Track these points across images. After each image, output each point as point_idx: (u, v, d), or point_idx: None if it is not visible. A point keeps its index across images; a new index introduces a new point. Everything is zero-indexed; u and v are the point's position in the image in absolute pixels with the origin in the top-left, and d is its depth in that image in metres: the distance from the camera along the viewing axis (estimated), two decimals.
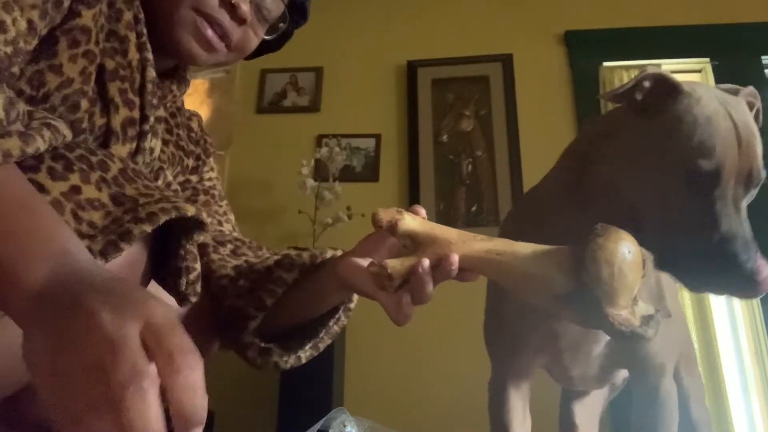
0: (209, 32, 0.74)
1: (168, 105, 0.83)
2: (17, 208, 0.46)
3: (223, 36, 0.76)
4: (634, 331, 0.59)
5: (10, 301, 0.43)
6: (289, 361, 0.78)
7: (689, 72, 2.41)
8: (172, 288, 0.65)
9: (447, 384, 2.00)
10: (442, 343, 2.03)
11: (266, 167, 2.36)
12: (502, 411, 1.09)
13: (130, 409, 0.34)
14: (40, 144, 0.50)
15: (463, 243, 0.62)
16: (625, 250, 0.58)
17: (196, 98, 2.47)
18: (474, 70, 2.42)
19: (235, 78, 2.51)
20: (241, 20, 0.76)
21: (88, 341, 0.37)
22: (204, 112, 2.46)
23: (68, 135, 0.55)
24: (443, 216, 2.23)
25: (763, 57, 2.32)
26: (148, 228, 0.55)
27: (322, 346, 0.81)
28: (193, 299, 0.65)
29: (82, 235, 0.53)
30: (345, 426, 0.88)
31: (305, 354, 0.79)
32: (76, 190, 0.54)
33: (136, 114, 0.71)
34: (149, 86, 0.73)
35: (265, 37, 0.83)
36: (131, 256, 0.59)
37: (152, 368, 0.36)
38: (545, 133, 2.28)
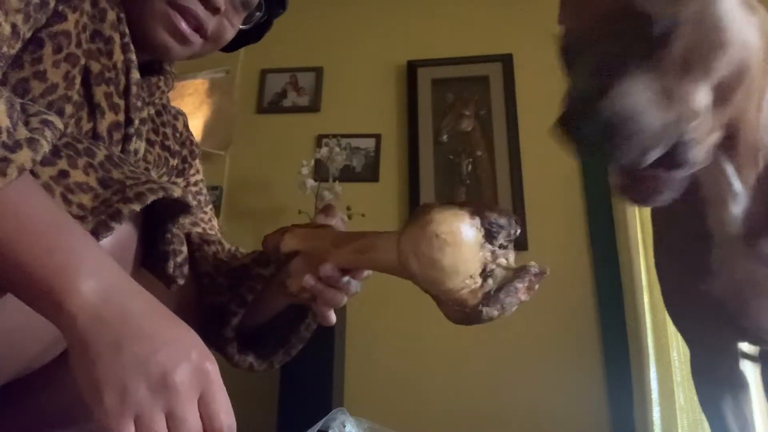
0: (183, 25, 0.74)
1: (156, 101, 0.83)
2: (51, 225, 0.49)
3: (198, 27, 0.76)
4: (464, 312, 0.55)
5: (61, 316, 0.46)
6: (263, 365, 0.81)
7: None
8: (160, 272, 0.66)
9: (447, 384, 2.00)
10: (443, 343, 2.03)
11: (266, 167, 2.36)
12: (710, 404, 0.98)
13: None
14: (45, 147, 0.50)
15: (336, 249, 0.64)
16: (432, 235, 0.54)
17: (196, 98, 2.47)
18: (474, 70, 2.41)
19: (235, 78, 2.51)
20: (214, 9, 0.76)
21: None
22: (204, 112, 2.46)
23: (62, 128, 0.55)
24: None
25: None
26: (137, 207, 0.56)
27: (293, 351, 0.83)
28: (181, 281, 0.66)
29: (72, 217, 0.54)
30: (345, 426, 0.88)
31: (278, 359, 0.81)
32: (64, 174, 0.55)
33: (121, 117, 0.71)
34: (134, 88, 0.73)
35: (242, 27, 0.83)
36: (122, 239, 0.60)
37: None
38: (545, 133, 2.28)
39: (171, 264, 0.65)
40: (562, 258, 2.12)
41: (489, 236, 0.57)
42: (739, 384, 0.98)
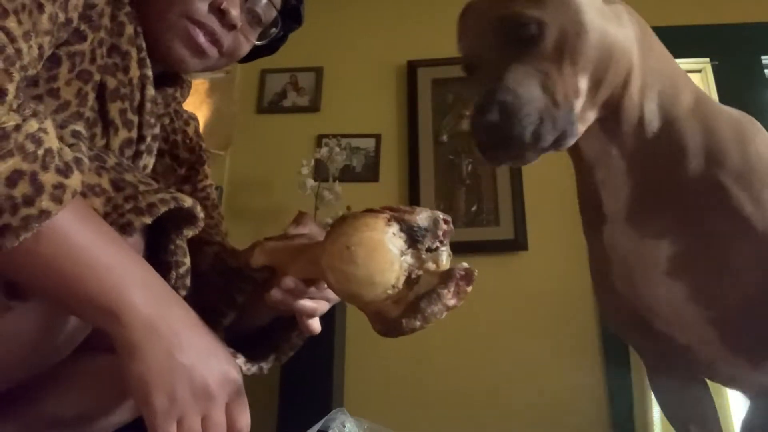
0: (201, 38, 0.74)
1: (170, 111, 0.83)
2: (104, 241, 0.52)
3: (214, 41, 0.76)
4: (385, 324, 0.54)
5: (117, 326, 0.50)
6: (252, 369, 0.81)
7: (689, 72, 2.40)
8: None
9: (447, 384, 2.00)
10: (443, 343, 2.03)
11: (266, 167, 2.36)
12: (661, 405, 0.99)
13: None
14: (87, 162, 0.52)
15: (293, 261, 0.65)
16: (342, 248, 0.53)
17: (196, 98, 2.47)
18: None
19: (235, 78, 2.51)
20: (230, 26, 0.76)
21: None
22: (204, 112, 2.45)
23: (86, 134, 0.56)
24: None
25: (763, 57, 2.32)
26: (148, 219, 0.57)
27: (284, 358, 0.84)
28: (183, 293, 0.66)
29: None
30: (345, 426, 0.88)
31: (267, 365, 0.81)
32: None
33: (134, 134, 0.72)
34: (148, 105, 0.73)
35: (257, 43, 0.83)
36: (132, 247, 0.59)
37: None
38: None
39: (173, 275, 0.64)
40: (562, 258, 2.11)
41: (412, 241, 0.54)
42: (695, 381, 0.94)
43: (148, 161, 0.75)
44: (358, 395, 1.98)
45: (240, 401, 0.56)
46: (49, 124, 0.49)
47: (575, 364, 1.99)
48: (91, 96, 0.66)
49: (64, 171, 0.48)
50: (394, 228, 0.54)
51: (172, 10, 0.73)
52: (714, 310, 0.79)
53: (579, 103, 0.76)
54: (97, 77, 0.66)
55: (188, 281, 0.67)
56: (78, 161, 0.50)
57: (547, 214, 2.18)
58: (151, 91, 0.73)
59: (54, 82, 0.62)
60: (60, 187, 0.47)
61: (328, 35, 2.54)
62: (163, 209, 0.57)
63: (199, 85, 2.49)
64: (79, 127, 0.55)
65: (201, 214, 0.63)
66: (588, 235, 0.93)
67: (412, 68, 2.45)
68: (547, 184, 2.20)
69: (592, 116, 0.80)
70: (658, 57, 0.84)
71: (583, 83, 0.76)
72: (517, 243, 2.13)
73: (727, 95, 2.18)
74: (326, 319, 0.82)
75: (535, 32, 0.73)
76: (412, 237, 0.54)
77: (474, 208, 2.23)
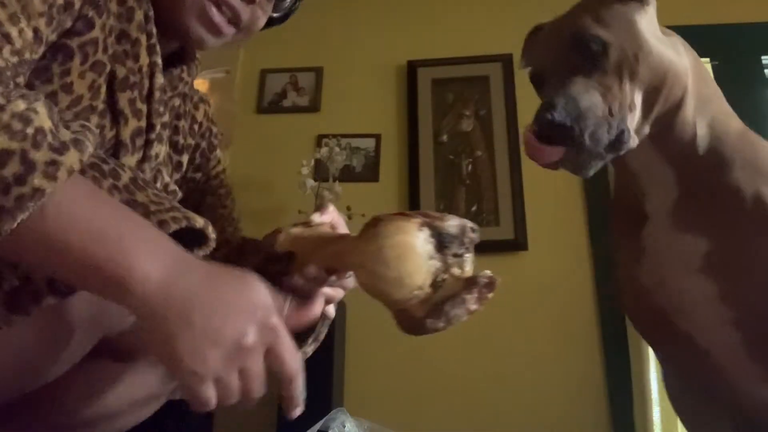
0: (217, 17, 0.74)
1: (179, 93, 0.82)
2: (111, 215, 0.51)
3: (233, 17, 0.76)
4: (410, 322, 0.57)
5: (133, 299, 0.49)
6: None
7: None
8: None
9: (447, 384, 2.00)
10: (443, 343, 2.03)
11: (266, 167, 2.36)
12: None
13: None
14: (90, 148, 0.50)
15: (316, 250, 0.65)
16: (376, 248, 0.55)
17: None
18: (474, 70, 2.41)
19: (235, 78, 2.51)
20: (249, 0, 0.76)
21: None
22: None
23: (97, 135, 0.55)
24: None
25: (763, 57, 2.32)
26: None
27: (321, 337, 0.83)
28: None
29: None
30: (345, 426, 0.88)
31: (310, 348, 0.81)
32: None
33: (143, 123, 0.71)
34: (157, 94, 0.72)
35: (273, 15, 0.83)
36: None
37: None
38: None
39: None
40: (562, 258, 2.12)
41: (440, 246, 0.57)
42: (712, 402, 0.94)
43: (159, 149, 0.75)
44: (358, 395, 1.98)
45: (283, 345, 0.53)
46: (40, 106, 0.47)
47: (575, 364, 1.99)
48: (103, 88, 0.66)
49: (59, 149, 0.47)
50: (426, 233, 0.56)
51: None
52: (740, 312, 0.81)
53: (635, 116, 0.83)
54: (108, 68, 0.66)
55: None
56: (77, 142, 0.48)
57: (547, 214, 2.18)
58: (160, 78, 0.73)
59: (67, 76, 0.61)
60: (53, 164, 0.46)
61: (328, 35, 2.54)
62: (174, 227, 0.57)
63: (199, 85, 2.49)
64: (89, 124, 0.54)
65: (213, 235, 0.62)
66: (619, 236, 0.96)
67: (412, 68, 2.45)
68: (547, 184, 2.20)
69: (645, 130, 0.86)
70: (710, 88, 0.94)
71: (638, 98, 0.83)
72: (517, 243, 2.13)
73: (727, 95, 2.17)
74: None
75: (599, 49, 0.82)
76: (441, 242, 0.57)
77: (474, 208, 2.23)
